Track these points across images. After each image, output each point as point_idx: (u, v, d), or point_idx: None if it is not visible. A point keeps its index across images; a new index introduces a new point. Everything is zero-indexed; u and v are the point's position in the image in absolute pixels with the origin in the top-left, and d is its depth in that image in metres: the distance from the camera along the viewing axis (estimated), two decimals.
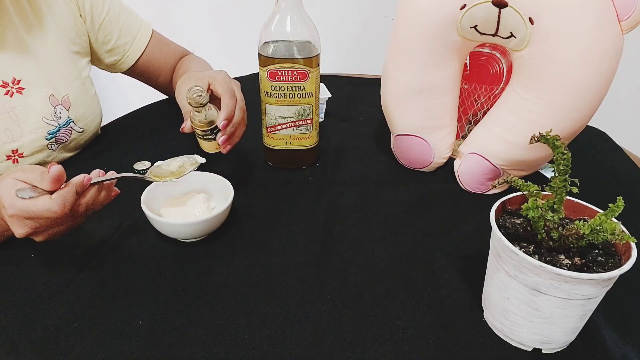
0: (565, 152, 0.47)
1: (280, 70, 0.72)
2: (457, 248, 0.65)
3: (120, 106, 1.08)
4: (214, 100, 0.69)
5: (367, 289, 0.58)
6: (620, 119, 1.18)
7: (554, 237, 0.48)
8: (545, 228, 0.48)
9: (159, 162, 0.64)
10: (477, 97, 0.80)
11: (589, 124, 0.70)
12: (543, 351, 0.50)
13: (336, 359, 0.49)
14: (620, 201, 0.45)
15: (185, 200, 0.67)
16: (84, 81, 0.82)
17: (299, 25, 0.71)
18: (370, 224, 0.69)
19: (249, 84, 0.91)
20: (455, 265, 0.61)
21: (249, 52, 0.90)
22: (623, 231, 0.46)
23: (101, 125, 0.89)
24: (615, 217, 0.46)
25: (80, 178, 0.54)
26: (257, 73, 0.75)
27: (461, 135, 0.84)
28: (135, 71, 0.92)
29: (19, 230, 0.53)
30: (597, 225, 0.45)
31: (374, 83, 0.94)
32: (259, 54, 0.73)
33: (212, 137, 0.68)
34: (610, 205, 0.46)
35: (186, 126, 0.69)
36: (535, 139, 0.48)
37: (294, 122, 0.78)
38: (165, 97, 1.04)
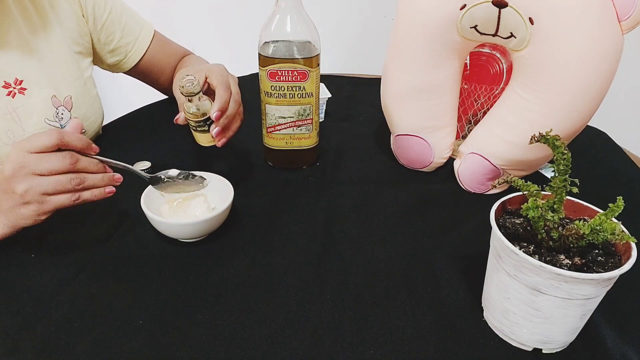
0: (565, 152, 0.47)
1: (280, 70, 0.72)
2: (457, 248, 0.65)
3: (120, 106, 1.08)
4: (210, 93, 0.69)
5: (367, 289, 0.58)
6: (620, 119, 1.18)
7: (554, 237, 0.48)
8: (545, 228, 0.48)
9: (171, 175, 0.65)
10: (477, 97, 0.80)
11: (589, 124, 0.70)
12: (543, 351, 0.50)
13: (336, 359, 0.49)
14: (620, 201, 0.45)
15: (185, 200, 0.67)
16: (86, 82, 0.82)
17: (299, 25, 0.71)
18: (370, 224, 0.69)
19: (249, 84, 0.91)
20: (455, 265, 0.61)
21: (249, 52, 0.90)
22: (623, 231, 0.46)
23: (102, 126, 0.89)
24: (615, 217, 0.46)
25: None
26: (257, 73, 0.75)
27: (461, 135, 0.84)
28: (137, 71, 0.92)
29: (19, 185, 0.53)
30: (597, 225, 0.45)
31: (374, 83, 0.94)
32: (259, 54, 0.73)
33: (205, 129, 0.68)
34: (610, 205, 0.46)
35: (180, 117, 0.69)
36: (535, 139, 0.48)
37: (294, 122, 0.78)
38: (165, 97, 1.04)
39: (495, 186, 0.60)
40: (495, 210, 0.51)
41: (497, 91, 0.78)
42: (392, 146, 0.84)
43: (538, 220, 0.48)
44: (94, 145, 0.59)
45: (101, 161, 0.59)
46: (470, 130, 0.79)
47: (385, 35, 0.79)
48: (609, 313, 0.54)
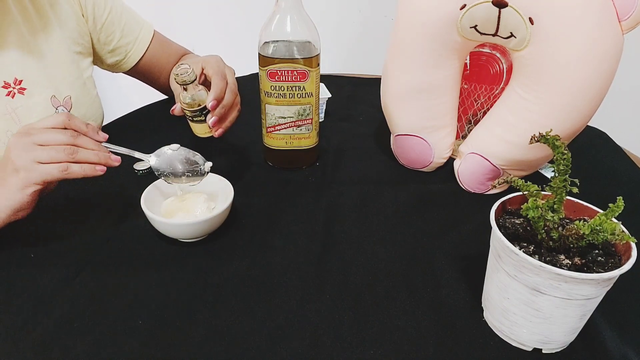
0: (565, 152, 0.47)
1: (280, 70, 0.72)
2: (457, 248, 0.65)
3: (120, 106, 1.08)
4: (207, 84, 0.70)
5: (367, 289, 0.58)
6: (620, 119, 1.18)
7: (554, 237, 0.48)
8: (545, 228, 0.48)
9: (173, 148, 0.66)
10: (477, 97, 0.80)
11: (589, 124, 0.70)
12: (543, 351, 0.50)
13: (336, 359, 0.49)
14: (620, 201, 0.45)
15: (186, 200, 0.67)
16: (85, 82, 0.82)
17: (299, 25, 0.71)
18: (370, 224, 0.69)
19: (249, 84, 0.91)
20: (455, 265, 0.61)
21: (249, 52, 0.90)
22: (623, 231, 0.46)
23: (102, 126, 0.89)
24: (615, 217, 0.46)
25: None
26: (257, 73, 0.75)
27: (461, 135, 0.84)
28: (137, 71, 0.92)
29: (15, 150, 0.56)
30: (597, 225, 0.45)
31: (374, 83, 0.94)
32: (259, 54, 0.73)
33: (202, 119, 0.68)
34: (610, 205, 0.46)
35: (176, 108, 0.69)
36: (535, 139, 0.48)
37: (294, 122, 0.78)
38: (165, 97, 1.04)
39: (495, 186, 0.60)
40: (495, 210, 0.51)
41: (497, 91, 0.78)
42: (392, 146, 0.84)
43: (538, 220, 0.48)
44: (101, 132, 0.61)
45: (106, 148, 0.61)
46: (470, 130, 0.79)
47: (385, 35, 0.78)
48: (609, 313, 0.54)
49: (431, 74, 0.73)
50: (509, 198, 0.54)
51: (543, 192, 0.50)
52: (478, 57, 0.77)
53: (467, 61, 0.78)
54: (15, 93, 0.71)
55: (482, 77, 0.78)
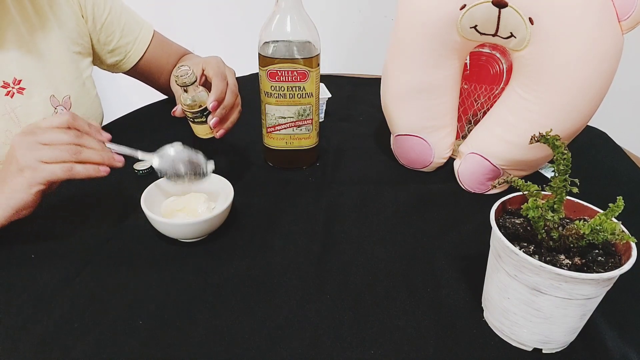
0: (565, 152, 0.47)
1: (280, 71, 0.72)
2: (457, 248, 0.65)
3: (120, 106, 1.08)
4: (207, 85, 0.70)
5: (367, 289, 0.58)
6: (620, 119, 1.18)
7: (554, 237, 0.48)
8: (545, 228, 0.48)
9: (176, 148, 0.66)
10: (477, 97, 0.80)
11: (589, 124, 0.70)
12: (543, 351, 0.50)
13: (336, 359, 0.49)
14: (620, 201, 0.45)
15: (186, 200, 0.67)
16: (85, 82, 0.82)
17: (299, 25, 0.71)
18: (370, 224, 0.69)
19: (249, 84, 0.91)
20: (455, 265, 0.61)
21: (249, 52, 0.90)
22: (623, 231, 0.46)
23: (102, 126, 0.89)
24: (615, 217, 0.46)
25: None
26: (257, 73, 0.75)
27: (461, 135, 0.84)
28: (137, 71, 0.92)
29: (20, 150, 0.56)
30: (597, 225, 0.45)
31: (374, 83, 0.94)
32: (259, 54, 0.73)
33: (202, 120, 0.68)
34: (610, 205, 0.46)
35: (177, 110, 0.69)
36: (535, 139, 0.48)
37: (294, 122, 0.78)
38: (165, 97, 1.04)
39: (495, 186, 0.60)
40: (495, 210, 0.51)
41: (497, 91, 0.78)
42: (392, 146, 0.84)
43: (538, 220, 0.48)
44: (104, 132, 0.61)
45: (110, 148, 0.61)
46: (470, 130, 0.79)
47: (385, 35, 0.78)
48: (609, 313, 0.54)
49: (431, 74, 0.73)
50: (509, 198, 0.54)
51: (543, 192, 0.50)
52: (478, 57, 0.77)
53: (467, 61, 0.78)
54: (14, 93, 0.71)
55: (482, 77, 0.78)
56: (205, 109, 0.67)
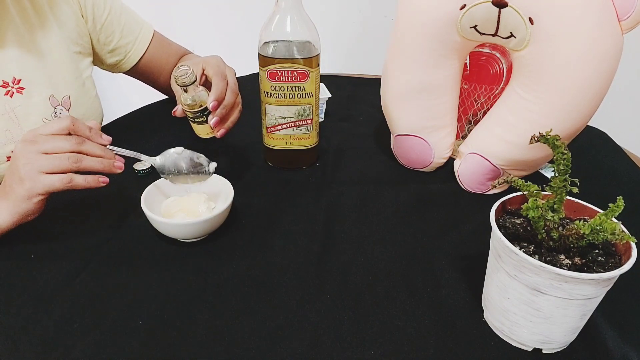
0: (565, 152, 0.47)
1: (280, 71, 0.72)
2: (457, 248, 0.65)
3: (120, 106, 1.08)
4: (208, 85, 0.70)
5: (367, 289, 0.58)
6: (620, 119, 1.18)
7: (554, 237, 0.48)
8: (546, 228, 0.48)
9: (177, 151, 0.66)
10: (477, 97, 0.80)
11: (589, 124, 0.70)
12: (543, 351, 0.50)
13: (336, 359, 0.49)
14: (620, 201, 0.45)
15: (186, 200, 0.67)
16: (84, 82, 0.82)
17: (299, 25, 0.71)
18: (370, 224, 0.69)
19: (249, 84, 0.91)
20: (455, 265, 0.61)
21: (249, 52, 0.90)
22: (623, 231, 0.46)
23: (102, 126, 0.89)
24: (615, 217, 0.46)
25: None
26: (257, 73, 0.75)
27: (461, 135, 0.84)
28: (137, 71, 0.92)
29: (22, 159, 0.56)
30: (597, 225, 0.45)
31: (374, 83, 0.94)
32: (259, 54, 0.73)
33: (203, 119, 0.68)
34: (610, 205, 0.46)
35: (177, 110, 0.69)
36: (535, 139, 0.48)
37: (294, 122, 0.78)
38: (165, 97, 1.04)
39: (495, 186, 0.60)
40: (495, 210, 0.51)
41: (497, 91, 0.78)
42: (392, 146, 0.84)
43: (538, 220, 0.48)
44: (104, 135, 0.61)
45: (111, 150, 0.61)
46: (470, 130, 0.79)
47: (385, 35, 0.78)
48: (609, 313, 0.54)
49: (431, 74, 0.73)
50: (509, 198, 0.54)
51: (543, 192, 0.50)
52: (478, 57, 0.77)
53: (467, 61, 0.78)
54: (13, 92, 0.71)
55: (482, 77, 0.78)
56: (206, 108, 0.67)
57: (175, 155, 0.66)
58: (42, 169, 0.56)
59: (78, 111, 0.79)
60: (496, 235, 0.48)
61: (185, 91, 0.66)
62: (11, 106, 0.71)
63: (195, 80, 0.66)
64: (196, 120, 0.69)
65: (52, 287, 0.57)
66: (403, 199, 0.75)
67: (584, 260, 0.47)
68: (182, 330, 0.52)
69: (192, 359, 0.49)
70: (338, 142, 0.92)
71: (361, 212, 0.72)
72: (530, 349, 0.50)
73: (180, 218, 0.64)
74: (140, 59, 0.90)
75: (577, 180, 0.48)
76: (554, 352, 0.50)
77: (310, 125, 0.79)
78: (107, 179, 0.60)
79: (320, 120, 0.91)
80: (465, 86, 0.80)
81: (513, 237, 0.50)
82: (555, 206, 0.49)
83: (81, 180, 0.58)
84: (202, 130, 0.71)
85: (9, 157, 0.72)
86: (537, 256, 0.47)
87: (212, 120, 0.67)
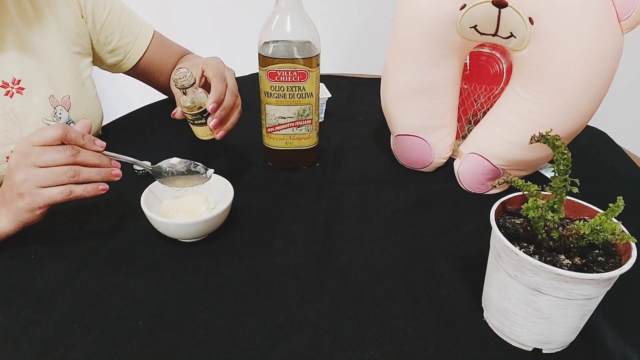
0: (565, 152, 0.47)
1: (280, 71, 0.72)
2: (457, 248, 0.65)
3: (120, 106, 1.08)
4: (207, 86, 0.70)
5: (367, 289, 0.58)
6: (620, 119, 1.18)
7: (554, 237, 0.48)
8: (546, 228, 0.48)
9: (173, 163, 0.66)
10: (477, 97, 0.80)
11: (589, 124, 0.70)
12: (543, 351, 0.50)
13: (336, 359, 0.49)
14: (620, 201, 0.45)
15: (186, 200, 0.67)
16: (84, 82, 0.82)
17: (299, 25, 0.71)
18: (370, 224, 0.69)
19: (249, 84, 0.91)
20: (455, 265, 0.61)
21: (249, 52, 0.90)
22: (623, 231, 0.46)
23: (102, 126, 0.89)
24: (615, 217, 0.46)
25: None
26: (257, 73, 0.75)
27: (461, 135, 0.84)
28: (137, 71, 0.92)
29: (18, 174, 0.55)
30: (597, 225, 0.45)
31: (374, 83, 0.94)
32: (258, 54, 0.73)
33: (202, 121, 0.68)
34: (611, 205, 0.46)
35: (177, 112, 0.69)
36: (535, 139, 0.48)
37: (294, 122, 0.78)
38: (165, 97, 1.04)
39: (495, 186, 0.60)
40: (495, 210, 0.51)
41: (497, 91, 0.78)
42: (392, 146, 0.84)
43: (538, 220, 0.48)
44: (98, 140, 0.60)
45: (106, 156, 0.60)
46: (470, 130, 0.79)
47: (385, 35, 0.78)
48: (609, 313, 0.54)
49: (431, 74, 0.73)
50: (509, 198, 0.54)
51: (543, 192, 0.50)
52: (478, 57, 0.77)
53: (467, 61, 0.78)
54: (13, 93, 0.71)
55: (482, 77, 0.78)
56: (205, 110, 0.67)
57: (171, 168, 0.65)
58: (39, 184, 0.56)
59: (78, 111, 0.79)
60: (496, 235, 0.48)
61: (184, 93, 0.66)
62: (11, 106, 0.71)
63: (194, 83, 0.66)
64: (195, 122, 0.69)
65: (52, 287, 0.57)
66: (403, 199, 0.75)
67: (584, 261, 0.47)
68: (182, 330, 0.52)
69: (192, 359, 0.49)
70: (338, 142, 0.92)
71: (361, 212, 0.72)
72: (530, 349, 0.50)
73: (180, 218, 0.64)
74: (140, 59, 0.90)
75: (577, 180, 0.48)
76: (554, 352, 0.50)
77: (310, 125, 0.79)
78: (106, 186, 0.60)
79: (320, 120, 0.91)
80: (465, 86, 0.80)
81: (513, 237, 0.50)
82: (555, 206, 0.49)
83: (81, 191, 0.58)
84: (201, 132, 0.71)
85: (8, 158, 0.72)
86: (537, 256, 0.47)
87: (212, 122, 0.67)
